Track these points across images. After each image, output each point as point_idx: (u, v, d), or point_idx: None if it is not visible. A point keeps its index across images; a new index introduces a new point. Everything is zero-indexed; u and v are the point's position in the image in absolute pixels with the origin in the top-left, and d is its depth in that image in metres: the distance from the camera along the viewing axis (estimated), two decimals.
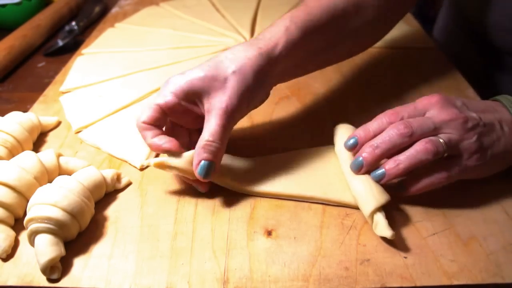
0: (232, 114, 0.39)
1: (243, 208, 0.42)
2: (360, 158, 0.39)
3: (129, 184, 0.45)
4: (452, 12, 0.77)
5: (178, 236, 0.39)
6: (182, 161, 0.40)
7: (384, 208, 0.38)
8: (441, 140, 0.38)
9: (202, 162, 0.39)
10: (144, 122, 0.40)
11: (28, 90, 0.65)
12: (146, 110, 0.41)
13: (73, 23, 0.81)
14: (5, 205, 0.39)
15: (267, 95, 0.45)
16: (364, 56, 0.68)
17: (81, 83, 0.62)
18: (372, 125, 0.41)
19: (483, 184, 0.42)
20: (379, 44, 0.70)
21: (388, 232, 0.36)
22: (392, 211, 0.41)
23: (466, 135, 0.39)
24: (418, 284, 0.34)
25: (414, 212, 0.41)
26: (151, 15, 0.85)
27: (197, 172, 0.39)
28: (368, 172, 0.40)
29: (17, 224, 0.40)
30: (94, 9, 0.89)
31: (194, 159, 0.39)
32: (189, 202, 0.42)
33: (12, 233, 0.39)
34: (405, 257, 0.36)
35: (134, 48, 0.72)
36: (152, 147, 0.41)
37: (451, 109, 0.39)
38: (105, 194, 0.43)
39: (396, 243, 0.38)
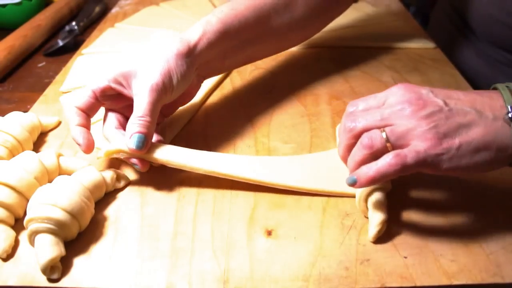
0: (157, 91, 0.42)
1: (243, 208, 0.42)
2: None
3: (128, 183, 0.45)
4: (444, 5, 0.78)
5: (178, 236, 0.39)
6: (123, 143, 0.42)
7: (389, 208, 0.38)
8: (382, 133, 0.36)
9: (134, 135, 0.41)
10: (76, 107, 0.44)
11: (28, 90, 0.65)
12: (81, 96, 0.44)
13: (73, 23, 0.81)
14: (5, 205, 0.39)
15: (198, 84, 0.50)
16: (364, 55, 0.68)
17: (81, 83, 0.62)
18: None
19: (483, 184, 0.42)
20: (379, 44, 0.71)
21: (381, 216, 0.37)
22: (392, 211, 0.41)
23: (418, 122, 0.35)
24: (418, 284, 0.34)
25: (414, 212, 0.41)
26: (151, 15, 0.85)
27: (130, 144, 0.41)
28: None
29: (17, 224, 0.40)
30: (94, 9, 0.89)
31: (126, 134, 0.42)
32: (189, 202, 0.42)
33: (12, 233, 0.39)
34: (405, 257, 0.36)
35: (134, 48, 0.72)
36: (72, 133, 0.43)
37: (408, 97, 0.37)
38: (105, 194, 0.43)
39: (396, 243, 0.38)
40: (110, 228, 0.40)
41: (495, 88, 0.39)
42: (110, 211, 0.42)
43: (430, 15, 0.89)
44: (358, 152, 0.37)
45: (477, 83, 0.61)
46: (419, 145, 0.35)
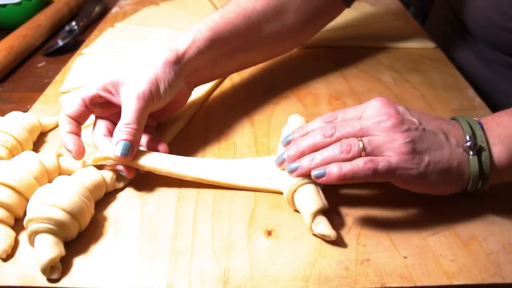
0: (144, 99, 0.43)
1: (243, 208, 0.42)
2: (284, 155, 0.41)
3: (128, 183, 0.45)
4: (441, 4, 0.79)
5: (178, 236, 0.39)
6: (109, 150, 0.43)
7: (387, 208, 0.38)
8: (360, 141, 0.38)
9: (119, 142, 0.41)
10: (67, 115, 0.44)
11: (28, 90, 0.65)
12: (71, 104, 0.44)
13: (73, 23, 0.81)
14: (5, 205, 0.39)
15: (188, 92, 0.50)
16: (364, 55, 0.68)
17: (81, 83, 0.62)
18: (309, 127, 0.42)
19: None
20: (379, 44, 0.71)
21: (331, 232, 0.37)
22: (392, 211, 0.41)
23: (395, 136, 0.37)
24: (418, 284, 0.34)
25: (414, 212, 0.41)
26: (151, 15, 0.85)
27: (115, 151, 0.41)
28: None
29: (17, 224, 0.40)
30: (94, 9, 0.89)
31: (112, 141, 0.42)
32: (189, 202, 0.42)
33: (12, 233, 0.39)
34: (405, 257, 0.36)
35: (134, 48, 0.72)
36: (63, 140, 0.43)
37: (387, 111, 0.38)
38: (105, 194, 0.43)
39: (396, 243, 0.38)
40: (110, 228, 0.40)
41: (455, 119, 0.41)
42: (110, 211, 0.42)
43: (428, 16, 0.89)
44: (332, 152, 0.38)
45: (475, 84, 0.61)
46: (392, 156, 0.37)
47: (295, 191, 0.39)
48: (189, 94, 0.51)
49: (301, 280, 0.35)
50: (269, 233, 0.39)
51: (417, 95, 0.58)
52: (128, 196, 0.44)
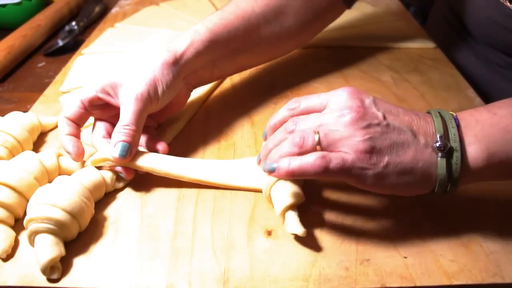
0: (143, 100, 0.43)
1: (243, 208, 0.42)
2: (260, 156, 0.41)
3: (128, 183, 0.45)
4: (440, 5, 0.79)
5: (178, 236, 0.39)
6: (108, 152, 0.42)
7: (387, 208, 0.38)
8: (315, 136, 0.36)
9: (118, 143, 0.41)
10: (66, 117, 0.44)
11: (28, 90, 0.65)
12: (70, 106, 0.44)
13: (73, 23, 0.81)
14: (5, 205, 0.39)
15: (187, 93, 0.51)
16: (365, 55, 0.68)
17: (81, 83, 0.62)
18: (275, 117, 0.41)
19: (482, 184, 0.42)
20: (379, 44, 0.71)
21: (299, 229, 0.36)
22: (392, 211, 0.41)
23: (354, 132, 0.35)
24: (418, 284, 0.34)
25: (414, 212, 0.41)
26: (151, 15, 0.85)
27: (114, 153, 0.41)
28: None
29: (17, 224, 0.40)
30: (94, 9, 0.89)
31: (111, 142, 0.42)
32: (189, 202, 0.42)
33: (12, 233, 0.39)
34: (405, 257, 0.36)
35: (134, 48, 0.72)
36: (62, 142, 0.43)
37: (350, 104, 0.36)
38: (105, 194, 0.43)
39: (396, 243, 0.38)
40: (110, 228, 0.40)
41: (430, 113, 0.38)
42: (110, 211, 0.42)
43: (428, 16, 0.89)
44: (286, 147, 0.37)
45: (475, 84, 0.61)
46: (348, 154, 0.35)
47: (269, 193, 0.39)
48: (188, 96, 0.51)
49: (301, 280, 0.35)
50: (269, 233, 0.39)
51: (417, 95, 0.58)
52: (128, 196, 0.44)
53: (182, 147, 0.49)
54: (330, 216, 0.40)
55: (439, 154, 0.35)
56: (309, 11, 0.55)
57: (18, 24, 0.77)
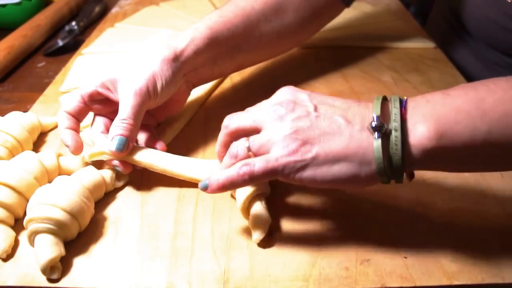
0: (141, 95, 0.43)
1: None
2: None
3: (127, 182, 0.45)
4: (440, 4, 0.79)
5: (178, 236, 0.39)
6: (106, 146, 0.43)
7: (387, 208, 0.38)
8: (245, 143, 0.36)
9: (115, 137, 0.41)
10: (66, 111, 0.44)
11: (28, 90, 0.65)
12: (70, 101, 0.45)
13: (73, 23, 0.81)
14: (5, 205, 0.39)
15: (187, 92, 0.50)
16: (364, 55, 0.68)
17: (81, 83, 0.62)
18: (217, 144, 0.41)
19: (482, 184, 0.42)
20: (379, 44, 0.71)
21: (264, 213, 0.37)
22: (392, 210, 0.41)
23: (282, 127, 0.34)
24: (418, 284, 0.34)
25: (414, 212, 0.41)
26: (151, 15, 0.85)
27: (111, 146, 0.41)
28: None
29: (17, 224, 0.40)
30: (94, 9, 0.89)
31: (108, 136, 0.42)
32: (189, 202, 0.42)
33: (12, 233, 0.39)
34: (405, 257, 0.36)
35: (134, 48, 0.72)
36: (61, 136, 0.44)
37: (284, 99, 0.36)
38: (105, 194, 0.43)
39: (396, 243, 0.38)
40: (110, 228, 0.40)
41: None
42: (110, 211, 0.42)
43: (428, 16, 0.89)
44: (226, 160, 0.37)
45: None
46: (273, 153, 0.34)
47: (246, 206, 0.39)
48: (188, 94, 0.51)
49: (301, 280, 0.35)
50: (269, 233, 0.39)
51: (417, 95, 0.58)
52: (128, 196, 0.44)
53: (182, 147, 0.49)
54: (330, 216, 0.40)
55: (375, 135, 0.32)
56: (308, 8, 0.56)
57: (18, 24, 0.77)
